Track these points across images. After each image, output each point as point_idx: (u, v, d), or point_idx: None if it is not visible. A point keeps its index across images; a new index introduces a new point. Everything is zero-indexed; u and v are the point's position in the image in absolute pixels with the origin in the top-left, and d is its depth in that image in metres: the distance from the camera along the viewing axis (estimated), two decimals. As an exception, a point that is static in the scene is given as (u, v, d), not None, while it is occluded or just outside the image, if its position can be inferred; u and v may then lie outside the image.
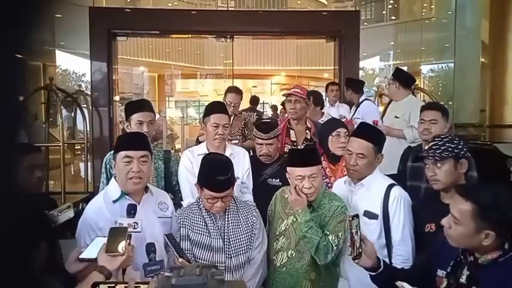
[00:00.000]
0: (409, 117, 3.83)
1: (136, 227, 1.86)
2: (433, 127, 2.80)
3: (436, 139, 2.16)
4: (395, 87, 4.02)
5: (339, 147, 2.76)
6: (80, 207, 5.06)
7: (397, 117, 4.04)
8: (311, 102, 3.96)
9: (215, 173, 2.05)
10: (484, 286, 1.53)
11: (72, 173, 6.73)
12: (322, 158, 2.73)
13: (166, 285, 0.73)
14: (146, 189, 2.12)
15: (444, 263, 1.69)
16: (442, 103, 6.35)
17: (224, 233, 2.14)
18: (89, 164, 5.78)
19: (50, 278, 1.45)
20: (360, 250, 1.74)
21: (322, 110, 4.34)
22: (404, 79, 4.07)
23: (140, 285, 1.30)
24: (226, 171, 2.06)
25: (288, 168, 2.27)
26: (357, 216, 1.76)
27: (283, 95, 3.40)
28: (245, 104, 6.50)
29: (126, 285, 1.32)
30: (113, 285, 1.34)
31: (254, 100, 8.41)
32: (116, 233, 1.69)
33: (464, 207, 1.55)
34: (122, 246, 1.63)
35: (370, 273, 1.81)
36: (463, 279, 1.59)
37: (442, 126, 2.82)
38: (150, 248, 1.90)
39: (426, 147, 2.18)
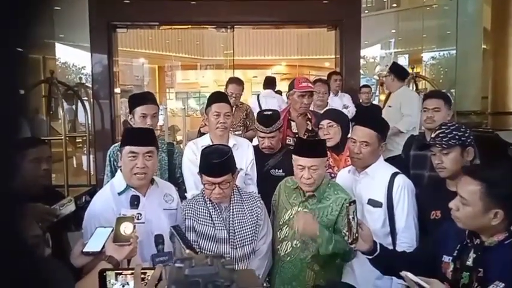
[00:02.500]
0: (400, 105, 4.27)
1: (139, 217, 1.87)
2: (436, 115, 2.80)
3: (442, 127, 2.16)
4: (391, 79, 4.51)
5: (325, 139, 2.75)
6: (83, 200, 5.10)
7: (389, 106, 4.53)
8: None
9: (211, 158, 2.08)
10: (490, 267, 1.54)
11: (74, 166, 6.75)
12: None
13: (179, 275, 0.74)
14: (152, 181, 2.13)
15: (450, 249, 1.70)
16: (444, 90, 6.33)
17: (229, 224, 2.15)
18: (91, 156, 5.79)
19: (61, 266, 1.45)
20: (357, 235, 1.78)
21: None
22: (398, 72, 4.56)
23: (146, 271, 1.31)
24: (221, 156, 2.08)
25: (293, 156, 2.29)
26: (354, 202, 1.81)
27: (298, 92, 3.29)
28: (247, 94, 6.49)
29: (133, 271, 1.33)
30: (120, 271, 1.35)
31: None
32: (123, 222, 1.70)
33: (472, 187, 1.57)
34: (129, 230, 1.65)
35: (368, 256, 1.84)
36: (469, 262, 1.61)
37: (445, 114, 2.82)
38: (159, 240, 1.90)
39: (433, 135, 2.17)
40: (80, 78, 7.21)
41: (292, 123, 3.30)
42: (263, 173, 2.86)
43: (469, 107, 6.77)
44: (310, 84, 3.28)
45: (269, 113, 3.01)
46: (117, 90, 6.22)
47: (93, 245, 1.67)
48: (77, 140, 6.96)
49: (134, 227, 1.69)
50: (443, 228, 1.81)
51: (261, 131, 2.91)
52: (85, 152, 5.93)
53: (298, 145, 2.39)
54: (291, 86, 3.33)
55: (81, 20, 5.81)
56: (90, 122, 5.84)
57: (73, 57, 8.30)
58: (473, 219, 1.58)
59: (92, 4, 5.72)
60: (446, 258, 1.72)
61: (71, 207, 2.07)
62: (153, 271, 1.33)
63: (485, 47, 6.76)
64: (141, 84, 12.72)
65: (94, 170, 5.78)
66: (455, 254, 1.67)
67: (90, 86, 6.26)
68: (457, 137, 2.10)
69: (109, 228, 1.72)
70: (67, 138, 5.36)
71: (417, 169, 2.81)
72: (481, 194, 1.54)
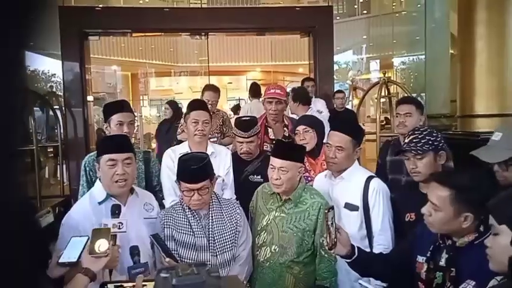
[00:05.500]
0: None
1: (121, 227, 1.84)
2: (408, 120, 2.85)
3: (415, 132, 2.21)
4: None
5: (305, 146, 2.79)
6: (57, 211, 4.98)
7: None
8: (290, 99, 4.02)
9: (188, 164, 2.08)
10: (462, 267, 1.60)
11: (46, 176, 6.59)
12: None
13: (167, 286, 0.74)
14: (131, 190, 2.12)
15: (423, 249, 1.76)
16: (414, 94, 6.51)
17: (208, 231, 2.15)
18: (64, 166, 5.68)
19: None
20: (335, 240, 1.81)
21: (309, 106, 4.40)
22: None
23: (146, 283, 1.30)
24: (199, 162, 2.09)
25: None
26: (332, 208, 1.85)
27: (265, 99, 3.35)
28: (222, 100, 6.52)
29: (134, 283, 1.32)
30: (120, 284, 1.34)
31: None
32: (99, 234, 1.68)
33: (442, 193, 1.63)
34: (105, 247, 1.62)
35: (346, 260, 1.89)
36: (442, 262, 1.67)
37: (416, 119, 2.87)
38: (134, 251, 1.89)
39: (406, 141, 2.22)
40: (51, 87, 7.06)
41: (270, 130, 3.34)
42: (242, 179, 2.88)
43: (439, 110, 6.96)
44: (277, 91, 3.31)
45: (247, 118, 3.05)
46: (90, 98, 6.13)
47: (69, 255, 1.63)
48: (49, 150, 6.80)
49: (114, 237, 1.67)
50: (417, 230, 1.87)
51: (239, 136, 2.93)
52: (58, 161, 5.81)
53: (275, 146, 2.48)
54: None
55: (52, 28, 5.69)
56: (62, 131, 5.73)
57: (42, 65, 8.13)
58: (445, 224, 1.64)
59: (63, 11, 5.63)
60: (420, 259, 1.78)
61: (49, 219, 2.03)
62: (153, 283, 1.33)
63: (452, 52, 6.98)
64: (114, 92, 12.55)
65: (67, 180, 5.67)
66: (428, 255, 1.73)
67: (61, 94, 6.15)
68: (430, 142, 2.15)
69: (84, 237, 1.69)
70: (39, 147, 5.23)
71: (394, 174, 2.87)
72: (451, 200, 1.60)
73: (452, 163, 2.58)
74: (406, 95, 6.33)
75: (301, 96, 4.40)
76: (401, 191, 2.44)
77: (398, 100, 3.21)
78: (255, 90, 5.69)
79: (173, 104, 5.93)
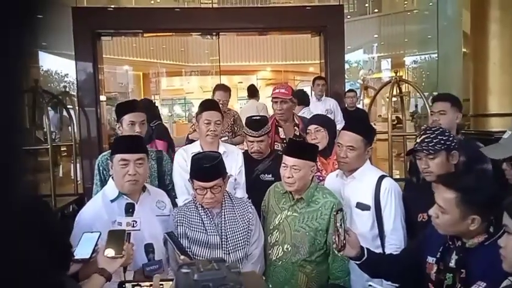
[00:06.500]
0: None
1: (135, 225, 1.87)
2: (442, 118, 2.69)
3: (427, 132, 2.18)
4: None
5: (317, 146, 2.79)
6: (71, 209, 5.05)
7: None
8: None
9: (201, 162, 2.10)
10: (472, 268, 1.60)
11: (60, 175, 6.67)
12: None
13: (187, 281, 0.76)
14: (144, 188, 2.15)
15: (433, 250, 1.76)
16: (426, 93, 6.46)
17: (221, 229, 2.17)
18: (78, 165, 5.75)
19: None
20: (344, 242, 1.81)
21: (305, 106, 4.48)
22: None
23: (163, 283, 1.32)
24: (212, 160, 2.11)
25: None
26: (341, 210, 1.85)
27: (271, 99, 3.37)
28: (233, 100, 6.58)
29: (151, 283, 1.34)
30: (138, 283, 1.36)
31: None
32: (115, 236, 1.70)
33: (448, 195, 1.62)
34: (111, 253, 1.64)
35: (356, 262, 1.88)
36: (452, 263, 1.66)
37: (452, 117, 2.71)
38: (149, 248, 1.91)
39: (418, 140, 2.19)
40: (65, 87, 7.14)
41: (280, 129, 3.34)
42: (253, 178, 2.89)
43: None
44: (282, 90, 3.30)
45: (258, 117, 3.06)
46: (103, 97, 6.19)
47: (81, 252, 1.65)
48: (62, 149, 6.89)
49: (128, 236, 1.69)
50: (427, 230, 1.86)
51: (250, 135, 2.95)
52: (72, 160, 5.87)
53: (288, 145, 2.49)
54: None
55: (64, 28, 5.77)
56: (76, 130, 5.80)
57: (56, 65, 8.22)
58: (452, 226, 1.64)
59: (76, 12, 5.70)
60: (430, 259, 1.77)
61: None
62: (171, 282, 1.35)
63: (465, 50, 6.91)
64: (126, 92, 12.65)
65: (81, 179, 5.74)
66: (438, 256, 1.72)
67: (74, 94, 6.23)
68: (442, 141, 2.12)
69: (96, 233, 1.71)
70: (53, 146, 5.30)
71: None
72: (457, 202, 1.60)
73: (490, 165, 2.49)
74: (418, 94, 6.28)
75: (297, 98, 4.52)
76: (413, 191, 2.42)
77: (433, 97, 3.10)
78: (252, 91, 6.10)
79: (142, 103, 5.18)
